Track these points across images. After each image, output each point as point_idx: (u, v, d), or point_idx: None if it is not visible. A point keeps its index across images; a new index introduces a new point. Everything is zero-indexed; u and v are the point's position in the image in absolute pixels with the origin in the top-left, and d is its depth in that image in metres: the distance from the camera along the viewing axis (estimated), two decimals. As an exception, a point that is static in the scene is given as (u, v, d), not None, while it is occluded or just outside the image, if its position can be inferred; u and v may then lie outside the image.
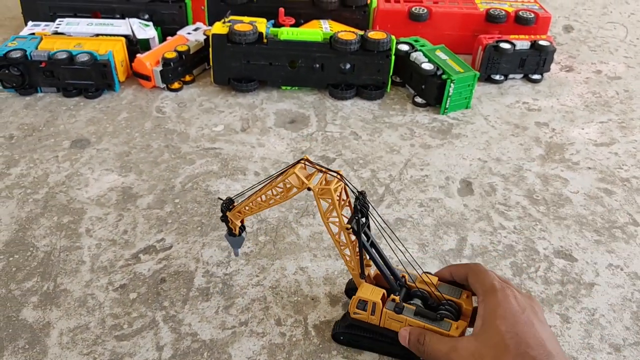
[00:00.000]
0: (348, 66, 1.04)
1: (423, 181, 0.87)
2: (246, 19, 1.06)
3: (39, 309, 0.66)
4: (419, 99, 1.05)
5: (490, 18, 1.16)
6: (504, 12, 1.16)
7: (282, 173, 0.58)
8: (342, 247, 0.59)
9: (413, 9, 1.16)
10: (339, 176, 0.56)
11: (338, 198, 0.56)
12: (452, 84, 0.99)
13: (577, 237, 0.78)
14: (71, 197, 0.82)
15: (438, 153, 0.94)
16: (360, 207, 0.57)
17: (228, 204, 0.64)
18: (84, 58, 1.00)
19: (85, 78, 1.02)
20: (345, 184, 0.57)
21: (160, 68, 1.04)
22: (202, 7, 1.18)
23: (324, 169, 0.57)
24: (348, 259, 0.60)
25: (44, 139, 0.94)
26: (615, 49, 1.30)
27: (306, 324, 0.65)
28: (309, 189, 0.56)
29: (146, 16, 1.16)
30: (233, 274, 0.71)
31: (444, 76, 1.00)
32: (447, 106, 1.01)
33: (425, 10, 1.16)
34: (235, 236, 0.67)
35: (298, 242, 0.76)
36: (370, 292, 0.59)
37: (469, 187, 0.87)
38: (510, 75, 1.14)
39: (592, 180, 0.89)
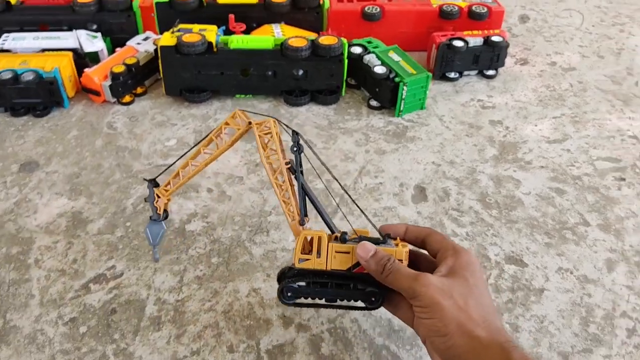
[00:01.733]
0: (301, 72, 1.03)
1: (377, 189, 0.87)
2: (195, 27, 1.04)
3: (-13, 348, 0.65)
4: (373, 102, 1.04)
5: (444, 14, 1.16)
6: (457, 8, 1.15)
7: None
8: (281, 190, 0.59)
9: (366, 8, 1.15)
10: (274, 119, 0.59)
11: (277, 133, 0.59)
12: (404, 87, 0.98)
13: (527, 240, 0.79)
14: (20, 226, 0.80)
15: (392, 158, 0.94)
16: (297, 144, 0.59)
17: (154, 183, 0.65)
18: (30, 77, 0.97)
19: (33, 96, 1.00)
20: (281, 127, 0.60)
21: (109, 82, 1.02)
22: (152, 15, 1.15)
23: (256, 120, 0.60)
24: (286, 203, 0.60)
25: (-9, 163, 0.92)
26: (571, 38, 1.31)
27: (258, 349, 0.65)
28: (250, 122, 0.60)
29: (94, 26, 1.14)
30: (185, 300, 0.71)
31: (396, 79, 0.99)
32: (401, 109, 1.01)
33: (379, 9, 1.15)
34: (157, 220, 0.67)
35: (251, 261, 0.76)
36: (313, 232, 0.59)
37: (423, 193, 0.87)
38: (465, 72, 1.14)
39: (544, 180, 0.90)
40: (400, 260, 0.57)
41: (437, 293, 0.52)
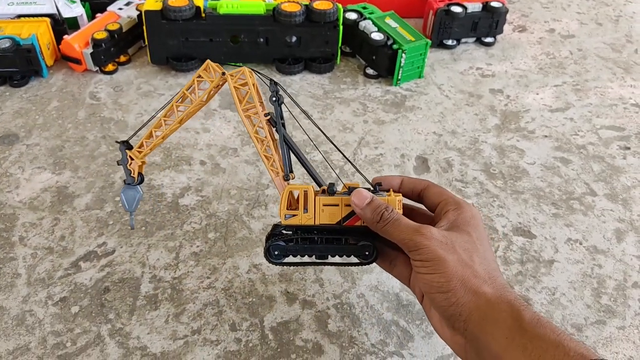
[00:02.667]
0: (294, 39, 0.98)
1: (378, 160, 0.84)
2: (182, -9, 0.98)
3: (-28, 331, 0.61)
4: (370, 71, 1.00)
5: (441, -22, 1.12)
6: (454, -27, 1.11)
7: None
8: (262, 145, 0.55)
9: (360, -28, 1.10)
10: (249, 69, 0.55)
11: (254, 84, 0.55)
12: (403, 54, 0.94)
13: (535, 211, 0.77)
14: (1, 202, 0.75)
15: (392, 129, 0.90)
16: (277, 94, 0.55)
17: (127, 145, 0.60)
18: (5, 44, 0.91)
19: (9, 65, 0.93)
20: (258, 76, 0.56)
21: (90, 50, 0.96)
22: (134, -22, 1.09)
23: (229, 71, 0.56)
24: (268, 159, 0.55)
25: (-33, 136, 0.86)
26: (568, 5, 1.28)
27: (262, 327, 0.62)
28: (223, 73, 0.55)
29: (73, -9, 1.07)
30: (182, 277, 0.67)
31: (394, 46, 0.95)
32: (399, 77, 0.97)
33: (373, -26, 1.11)
34: (132, 185, 0.62)
35: (250, 236, 0.72)
36: (299, 187, 0.55)
37: (425, 164, 0.84)
38: (463, 40, 1.10)
39: (548, 150, 0.87)
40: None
41: (440, 247, 0.48)
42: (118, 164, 0.61)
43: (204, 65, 0.56)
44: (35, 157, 0.83)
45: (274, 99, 0.55)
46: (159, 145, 0.60)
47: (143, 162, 0.61)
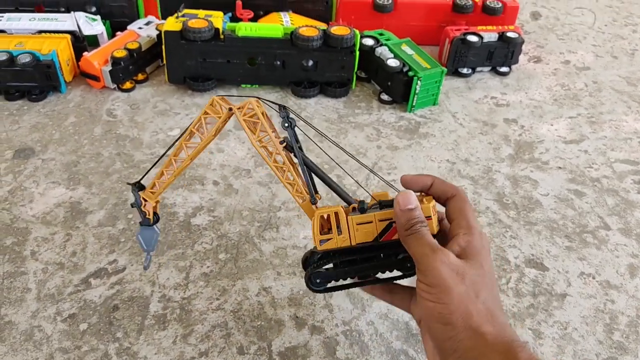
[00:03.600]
0: (311, 63, 0.99)
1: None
2: (201, 12, 1.00)
3: (-20, 345, 0.61)
4: (385, 96, 1.01)
5: (457, 8, 1.13)
6: (470, 2, 1.12)
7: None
8: (282, 173, 0.54)
9: (377, -1, 1.12)
10: (255, 99, 0.55)
11: (263, 113, 0.54)
12: (418, 82, 0.95)
13: (548, 243, 0.76)
14: (15, 215, 0.76)
15: (405, 155, 0.90)
16: (288, 118, 0.54)
17: (139, 186, 0.60)
18: (26, 59, 0.92)
19: (28, 80, 0.95)
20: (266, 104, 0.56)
21: (109, 67, 0.97)
22: (155, -2, 1.11)
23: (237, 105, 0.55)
24: (292, 185, 0.55)
25: (-16, 148, 0.87)
26: (584, 37, 1.28)
27: (270, 352, 0.62)
28: (230, 108, 0.54)
29: (93, 9, 1.09)
30: (191, 298, 0.67)
31: (410, 73, 0.96)
32: (414, 104, 0.98)
33: (390, 1, 1.12)
34: (148, 225, 0.62)
35: (261, 259, 0.72)
36: (328, 209, 0.54)
37: (438, 191, 0.84)
38: (478, 68, 1.11)
39: (562, 181, 0.87)
40: (429, 217, 0.51)
41: (450, 275, 0.46)
42: (132, 207, 0.61)
43: (210, 102, 0.56)
44: (50, 172, 0.83)
45: (286, 124, 0.54)
46: (172, 183, 0.60)
47: (158, 202, 0.61)
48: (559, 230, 0.79)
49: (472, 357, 0.44)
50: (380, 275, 0.57)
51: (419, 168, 0.87)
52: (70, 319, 0.64)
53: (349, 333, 0.64)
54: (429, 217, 0.51)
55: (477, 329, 0.45)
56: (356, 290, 0.68)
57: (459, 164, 0.89)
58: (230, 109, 0.55)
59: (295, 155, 0.55)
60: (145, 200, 0.60)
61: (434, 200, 0.53)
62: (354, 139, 0.93)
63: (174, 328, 0.64)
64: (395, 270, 0.55)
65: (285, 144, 0.54)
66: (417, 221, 0.50)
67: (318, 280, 0.56)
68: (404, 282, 0.56)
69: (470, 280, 0.47)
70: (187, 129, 0.57)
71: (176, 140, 0.57)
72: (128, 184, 0.62)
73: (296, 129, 0.55)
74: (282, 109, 0.55)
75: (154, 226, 0.63)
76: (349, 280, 0.57)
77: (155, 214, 0.62)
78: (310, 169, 0.55)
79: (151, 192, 0.60)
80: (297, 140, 0.55)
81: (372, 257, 0.55)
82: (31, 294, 0.66)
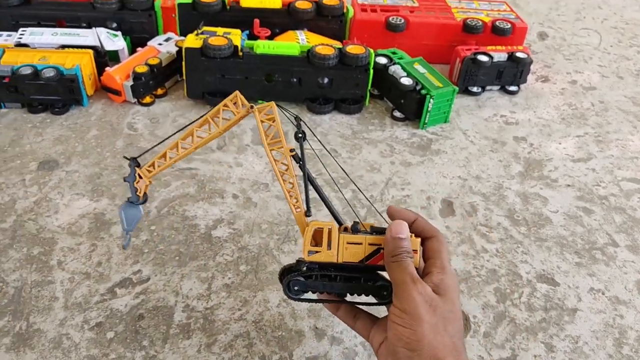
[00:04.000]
0: (326, 80, 1.02)
1: (405, 202, 0.86)
2: (220, 30, 1.03)
3: (12, 351, 0.63)
4: (397, 113, 1.04)
5: (467, 28, 1.16)
6: (480, 23, 1.15)
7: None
8: (285, 181, 0.56)
9: (390, 19, 1.15)
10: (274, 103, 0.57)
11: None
12: (431, 100, 0.98)
13: (558, 259, 0.79)
14: (41, 226, 0.78)
15: (418, 171, 0.93)
16: (300, 131, 0.56)
17: (136, 162, 0.61)
18: (50, 73, 0.95)
19: (52, 93, 0.98)
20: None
21: (131, 82, 1.00)
22: (173, 15, 1.14)
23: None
24: (290, 194, 0.56)
25: (9, 160, 0.89)
26: (590, 57, 1.31)
27: (291, 361, 0.64)
28: (252, 106, 0.56)
29: (114, 25, 1.12)
30: (214, 308, 0.69)
31: (423, 91, 0.99)
32: (426, 121, 1.01)
33: (403, 21, 1.15)
34: (135, 203, 0.63)
35: (280, 271, 0.74)
36: (323, 224, 0.56)
37: (450, 207, 0.86)
38: (488, 87, 1.13)
39: (571, 199, 0.89)
40: (415, 251, 0.54)
41: (424, 306, 0.49)
42: (124, 181, 0.62)
43: (231, 96, 0.57)
44: (74, 184, 0.86)
45: (299, 135, 0.57)
46: (168, 168, 0.61)
47: (150, 182, 0.62)
48: (569, 246, 0.81)
49: None
50: (353, 297, 0.59)
51: (432, 184, 0.90)
52: (97, 327, 0.66)
53: (367, 345, 0.65)
54: (414, 251, 0.54)
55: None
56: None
57: (470, 181, 0.91)
58: (252, 107, 0.56)
59: (300, 167, 0.56)
60: (140, 178, 0.61)
61: (419, 239, 0.55)
62: (368, 154, 0.95)
63: (198, 337, 0.66)
64: (370, 295, 0.58)
65: (294, 153, 0.56)
66: (404, 250, 0.53)
67: (296, 288, 0.58)
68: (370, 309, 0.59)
69: (441, 314, 0.49)
70: (202, 116, 0.59)
71: (186, 126, 0.59)
72: (125, 157, 0.63)
73: (305, 143, 0.57)
74: (297, 119, 0.57)
75: (140, 207, 0.63)
76: (324, 296, 0.59)
77: (145, 194, 0.63)
78: (311, 183, 0.57)
79: (147, 170, 0.61)
80: (304, 154, 0.57)
81: (352, 277, 0.57)
82: (59, 302, 0.68)
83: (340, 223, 0.58)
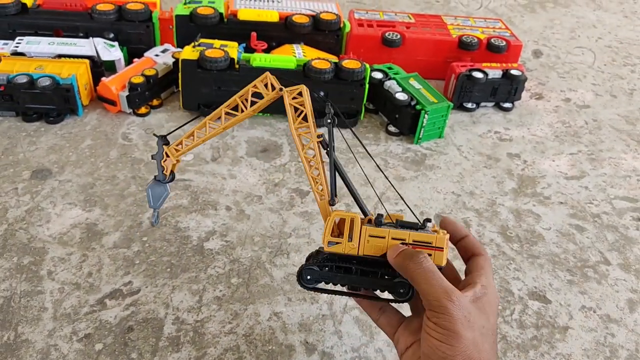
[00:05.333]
0: (322, 94, 1.02)
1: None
2: (217, 42, 1.03)
3: (-3, 362, 0.62)
4: (392, 128, 1.04)
5: (463, 45, 1.16)
6: (476, 40, 1.16)
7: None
8: (310, 166, 0.55)
9: (386, 34, 1.16)
10: (306, 88, 0.55)
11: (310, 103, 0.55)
12: (426, 115, 0.98)
13: (550, 277, 0.79)
14: (32, 235, 0.78)
15: (412, 186, 0.93)
16: (331, 117, 0.55)
17: (165, 140, 0.60)
18: (46, 82, 0.95)
19: (47, 102, 0.98)
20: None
21: (126, 93, 1.00)
22: (170, 27, 1.14)
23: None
24: (315, 181, 0.55)
25: (2, 168, 0.89)
26: (584, 76, 1.32)
27: (281, 376, 0.63)
28: (281, 89, 0.56)
29: (111, 35, 1.12)
30: (205, 321, 0.68)
31: (417, 107, 0.99)
32: (420, 136, 1.01)
33: (399, 36, 1.16)
34: (162, 181, 0.62)
35: (272, 284, 0.74)
36: (345, 214, 0.54)
37: (444, 222, 0.86)
38: (482, 103, 1.14)
39: (563, 216, 0.89)
40: (441, 249, 0.52)
41: (462, 321, 0.47)
42: (152, 158, 0.62)
43: (262, 77, 0.57)
44: (67, 193, 0.85)
45: (329, 120, 0.55)
46: (197, 146, 0.61)
47: (178, 161, 0.62)
48: (561, 264, 0.81)
49: None
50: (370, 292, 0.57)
51: (425, 199, 0.90)
52: (86, 338, 0.65)
53: (358, 359, 0.66)
54: (440, 248, 0.53)
55: None
56: (365, 318, 0.70)
57: (464, 197, 0.91)
58: (281, 89, 0.56)
59: (327, 153, 0.55)
60: (167, 156, 0.61)
61: (448, 235, 0.54)
62: (362, 168, 0.95)
63: (187, 350, 0.65)
64: (387, 292, 0.56)
65: (321, 139, 0.55)
66: (413, 255, 0.51)
67: (309, 277, 0.56)
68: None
69: (479, 329, 0.48)
70: (232, 97, 0.58)
71: (217, 106, 0.58)
72: (154, 134, 0.62)
73: (335, 131, 0.56)
74: (328, 104, 0.56)
75: (167, 185, 0.63)
76: (338, 287, 0.57)
77: (172, 172, 0.62)
78: (338, 170, 0.56)
79: (175, 149, 0.60)
80: (333, 140, 0.56)
81: (369, 272, 0.55)
82: (47, 313, 0.68)
83: (365, 214, 0.56)
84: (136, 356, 0.64)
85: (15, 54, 1.04)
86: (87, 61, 1.03)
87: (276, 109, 1.04)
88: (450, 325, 0.47)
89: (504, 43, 1.17)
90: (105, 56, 1.06)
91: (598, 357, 0.69)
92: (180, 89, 1.02)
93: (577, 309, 0.75)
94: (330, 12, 1.16)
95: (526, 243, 0.84)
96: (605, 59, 1.41)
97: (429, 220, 0.55)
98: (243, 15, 1.12)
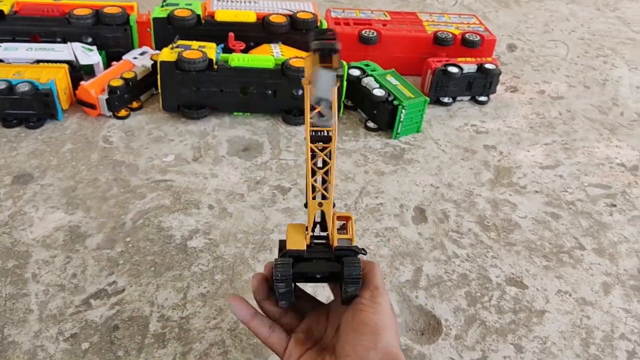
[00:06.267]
0: (301, 92, 1.03)
1: (378, 210, 0.88)
2: (195, 44, 1.04)
3: (-16, 365, 0.63)
4: (371, 124, 1.06)
5: (438, 41, 1.19)
6: (451, 35, 1.19)
7: None
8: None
9: (363, 32, 1.17)
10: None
11: None
12: (403, 110, 1.00)
13: (527, 263, 0.81)
14: (15, 239, 0.78)
15: (392, 180, 0.95)
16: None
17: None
18: (25, 88, 0.95)
19: (27, 108, 0.98)
20: None
21: (106, 96, 1.00)
22: (148, 30, 1.15)
23: None
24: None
25: (-17, 174, 0.89)
26: (557, 68, 1.35)
27: (266, 368, 0.65)
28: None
29: (89, 40, 1.13)
30: (190, 317, 0.69)
31: (395, 102, 1.01)
32: (398, 131, 1.03)
33: (375, 34, 1.17)
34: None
35: (255, 279, 0.75)
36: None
37: (423, 214, 0.88)
38: (458, 98, 1.16)
39: (539, 205, 0.92)
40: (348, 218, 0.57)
41: (390, 312, 0.53)
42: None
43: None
44: (49, 197, 0.86)
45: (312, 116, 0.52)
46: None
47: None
48: (537, 250, 0.83)
49: None
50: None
51: (405, 192, 0.92)
52: (72, 338, 0.66)
53: (341, 349, 0.67)
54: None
55: (396, 351, 0.50)
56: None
57: (442, 188, 0.93)
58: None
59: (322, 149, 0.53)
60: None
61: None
62: (342, 164, 0.97)
63: (173, 346, 0.66)
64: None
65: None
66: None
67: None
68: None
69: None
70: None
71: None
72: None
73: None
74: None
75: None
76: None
77: None
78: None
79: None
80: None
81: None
82: (33, 314, 0.69)
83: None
84: (122, 354, 0.65)
85: (-6, 60, 1.04)
86: (65, 66, 1.03)
87: (255, 108, 1.06)
88: (385, 302, 0.52)
89: (478, 38, 1.19)
90: (84, 60, 1.07)
91: (574, 339, 0.71)
92: (159, 90, 1.03)
93: (553, 293, 0.77)
94: (307, 12, 1.17)
95: (503, 231, 0.86)
96: (578, 51, 1.45)
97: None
98: (220, 17, 1.13)
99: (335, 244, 0.54)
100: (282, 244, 0.55)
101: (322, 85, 0.51)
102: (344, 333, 0.52)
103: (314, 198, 0.54)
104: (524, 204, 0.92)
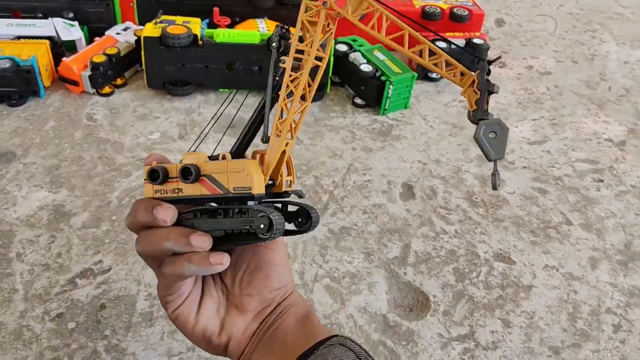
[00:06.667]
0: (287, 68, 1.02)
1: (366, 186, 0.88)
2: (179, 19, 1.02)
3: (-31, 345, 0.62)
4: (358, 100, 1.05)
5: (426, 15, 1.17)
6: (439, 10, 1.17)
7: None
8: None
9: (350, 6, 1.15)
10: None
11: None
12: (391, 86, 0.99)
13: (514, 239, 0.81)
14: (-2, 219, 0.77)
15: (379, 156, 0.94)
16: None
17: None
18: (6, 64, 0.93)
19: (8, 85, 0.95)
20: None
21: (88, 72, 0.98)
22: (131, 4, 1.12)
23: None
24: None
25: (-36, 153, 0.88)
26: (545, 43, 1.35)
27: (255, 345, 0.64)
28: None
29: (71, 15, 1.10)
30: (177, 296, 0.69)
31: (382, 78, 1.00)
32: (386, 107, 1.02)
33: (362, 8, 1.16)
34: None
35: (243, 257, 0.75)
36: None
37: (411, 190, 0.88)
38: (447, 73, 1.15)
39: (527, 180, 0.92)
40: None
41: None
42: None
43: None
44: (32, 176, 0.84)
45: (274, 44, 0.46)
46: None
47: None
48: (525, 226, 0.83)
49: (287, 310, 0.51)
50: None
51: (392, 168, 0.91)
52: (58, 318, 0.66)
53: (330, 326, 0.67)
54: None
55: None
56: (336, 285, 0.72)
57: (430, 165, 0.93)
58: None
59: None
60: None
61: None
62: (330, 141, 0.96)
63: (161, 325, 0.66)
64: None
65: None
66: None
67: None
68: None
69: None
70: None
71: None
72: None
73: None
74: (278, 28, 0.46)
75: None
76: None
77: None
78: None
79: None
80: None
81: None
82: (18, 294, 0.68)
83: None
84: (110, 332, 0.64)
85: (-28, 36, 1.02)
86: (47, 42, 1.01)
87: (241, 84, 1.04)
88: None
89: (467, 12, 1.18)
90: (65, 36, 1.04)
91: (561, 313, 0.71)
92: (144, 67, 1.01)
93: (540, 268, 0.77)
94: (294, -14, 1.15)
95: (491, 207, 0.86)
96: (566, 25, 1.44)
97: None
98: (205, -9, 1.11)
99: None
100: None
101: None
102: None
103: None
104: (512, 179, 0.92)
